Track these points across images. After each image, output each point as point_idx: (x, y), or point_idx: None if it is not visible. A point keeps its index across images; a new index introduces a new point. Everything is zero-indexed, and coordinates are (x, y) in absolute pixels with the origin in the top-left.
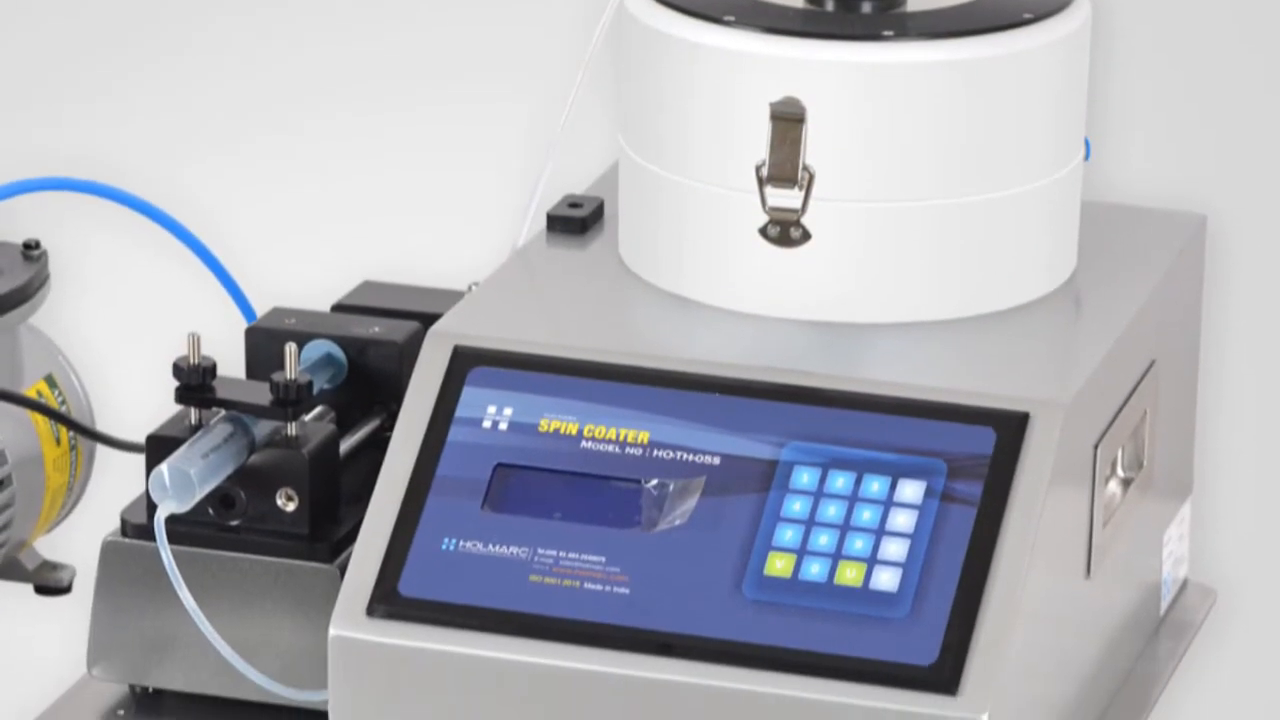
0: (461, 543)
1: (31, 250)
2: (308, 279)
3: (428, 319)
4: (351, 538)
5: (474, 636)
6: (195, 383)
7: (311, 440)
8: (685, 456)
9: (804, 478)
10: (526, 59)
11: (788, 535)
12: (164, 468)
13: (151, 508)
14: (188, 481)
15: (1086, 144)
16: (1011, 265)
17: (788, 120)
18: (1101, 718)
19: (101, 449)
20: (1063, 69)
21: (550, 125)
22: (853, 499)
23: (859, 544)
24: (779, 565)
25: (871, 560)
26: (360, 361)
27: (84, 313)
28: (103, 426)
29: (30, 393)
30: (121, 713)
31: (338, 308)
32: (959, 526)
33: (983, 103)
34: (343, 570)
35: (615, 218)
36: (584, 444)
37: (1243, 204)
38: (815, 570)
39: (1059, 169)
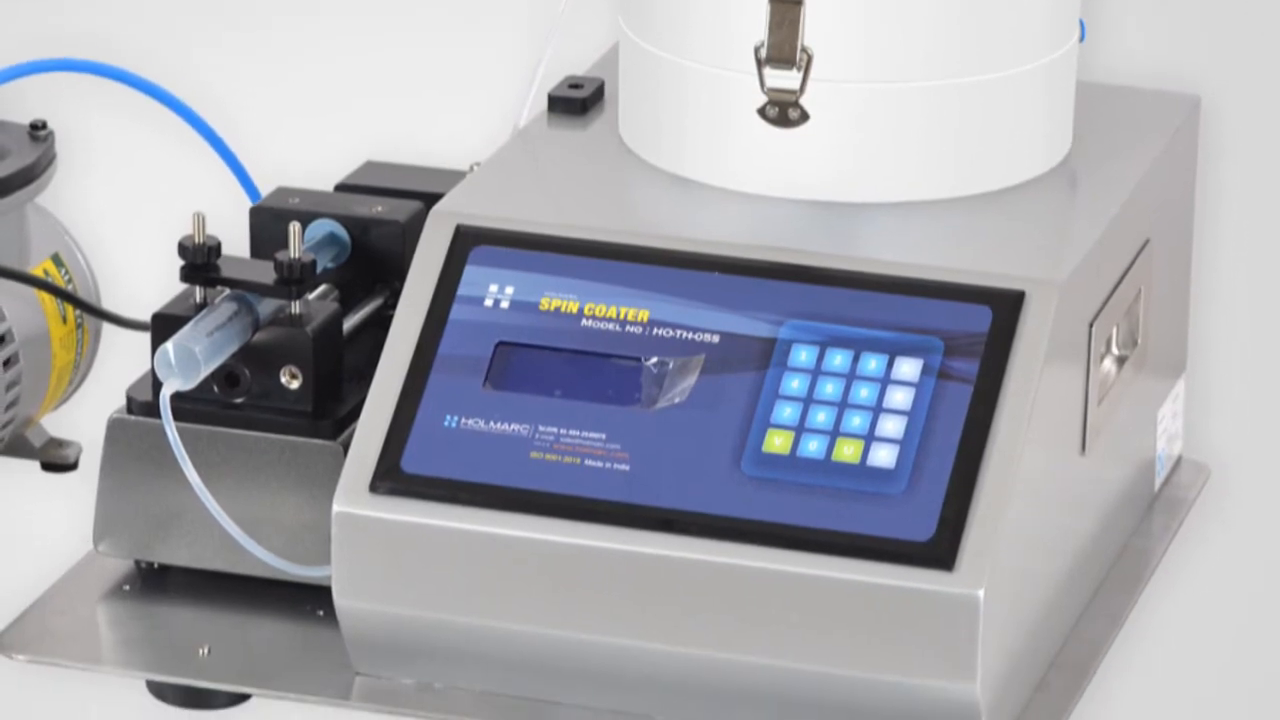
0: (463, 420)
1: (38, 131)
2: (311, 160)
3: (430, 199)
4: (355, 415)
5: (475, 512)
6: (200, 261)
7: (315, 318)
8: (685, 335)
9: (802, 355)
10: None
11: (786, 413)
12: (169, 345)
13: (157, 385)
14: (192, 359)
15: (1081, 25)
16: (1007, 145)
17: (786, 1)
18: (1096, 593)
19: (107, 327)
20: None
21: (551, 6)
22: (850, 377)
23: (856, 421)
24: (777, 442)
25: (869, 437)
26: (363, 241)
27: (90, 193)
28: (109, 305)
29: (37, 271)
30: (127, 588)
31: (341, 187)
32: (955, 404)
33: None
34: (346, 447)
35: (615, 99)
36: (584, 322)
37: (1237, 84)
38: (813, 447)
39: (1054, 50)
